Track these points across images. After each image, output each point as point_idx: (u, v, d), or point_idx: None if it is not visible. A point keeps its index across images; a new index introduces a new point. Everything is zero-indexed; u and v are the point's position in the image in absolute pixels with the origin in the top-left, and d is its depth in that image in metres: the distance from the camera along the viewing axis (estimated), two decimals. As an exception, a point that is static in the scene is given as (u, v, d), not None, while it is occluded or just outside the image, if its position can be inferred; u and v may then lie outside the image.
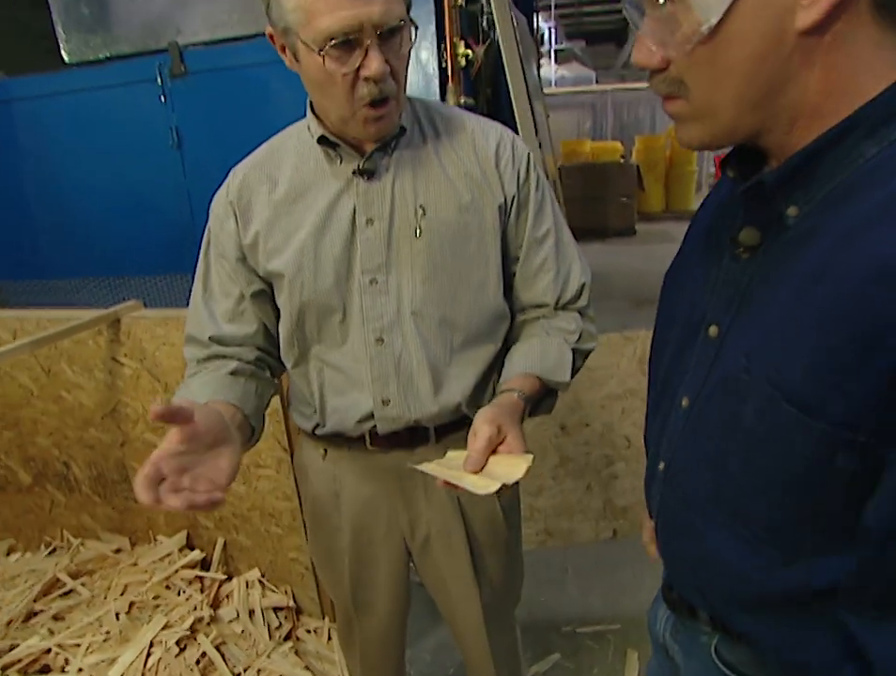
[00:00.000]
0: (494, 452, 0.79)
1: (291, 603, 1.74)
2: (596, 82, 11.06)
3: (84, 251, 2.97)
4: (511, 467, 0.75)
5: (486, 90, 2.68)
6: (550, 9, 9.67)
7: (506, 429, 0.80)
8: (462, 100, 1.94)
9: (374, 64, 0.78)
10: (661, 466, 0.68)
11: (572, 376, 0.99)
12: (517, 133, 1.99)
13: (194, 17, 2.77)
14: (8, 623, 1.61)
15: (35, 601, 1.70)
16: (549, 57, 10.93)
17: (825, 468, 0.48)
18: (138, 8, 2.83)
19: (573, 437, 2.15)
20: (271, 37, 0.85)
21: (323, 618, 1.75)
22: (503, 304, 1.00)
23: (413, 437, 1.00)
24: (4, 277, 3.16)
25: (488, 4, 2.15)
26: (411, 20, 0.82)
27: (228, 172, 0.99)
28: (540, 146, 2.84)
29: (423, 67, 1.97)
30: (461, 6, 2.00)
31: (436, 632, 1.83)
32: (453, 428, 1.01)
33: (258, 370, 1.02)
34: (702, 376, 0.60)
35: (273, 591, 1.76)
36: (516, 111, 1.97)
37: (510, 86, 1.96)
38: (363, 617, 1.17)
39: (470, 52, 1.91)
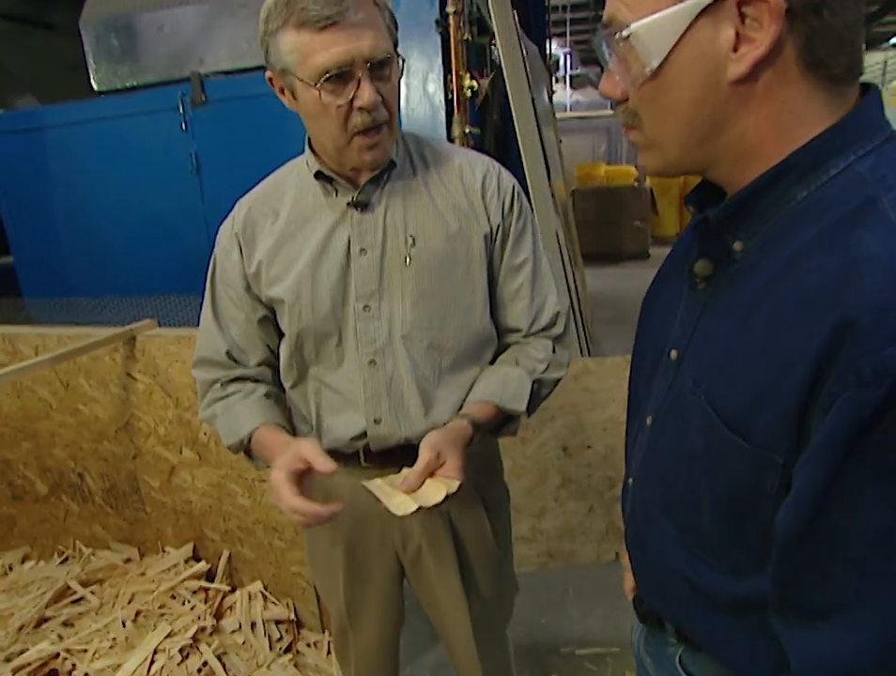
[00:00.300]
0: (433, 474, 0.87)
1: (292, 616, 1.77)
2: (611, 106, 11.17)
3: (106, 271, 3.09)
4: (435, 491, 0.83)
5: (493, 118, 2.76)
6: (565, 36, 9.83)
7: (446, 454, 0.88)
8: (467, 130, 2.02)
9: (366, 94, 0.85)
10: (630, 481, 0.72)
11: (540, 403, 1.05)
12: (523, 160, 2.07)
13: (217, 47, 2.90)
14: (20, 628, 1.67)
15: (46, 607, 1.75)
16: (564, 82, 11.08)
17: (752, 489, 0.52)
18: (164, 39, 2.97)
19: (575, 459, 2.16)
20: (271, 80, 0.92)
21: (323, 632, 1.78)
22: (490, 328, 1.05)
23: (405, 454, 1.04)
24: (30, 294, 3.28)
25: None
26: (398, 53, 0.89)
27: (234, 204, 1.06)
28: (548, 172, 2.91)
29: (430, 98, 2.05)
30: (468, 40, 2.09)
31: (435, 650, 1.84)
32: None
33: (279, 391, 1.09)
34: (662, 397, 0.65)
35: (275, 604, 1.80)
36: (519, 138, 2.04)
37: (514, 115, 2.03)
38: (358, 627, 1.20)
39: (475, 83, 1.99)
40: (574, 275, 2.85)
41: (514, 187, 1.04)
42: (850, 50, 0.50)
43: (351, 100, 0.85)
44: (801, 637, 0.51)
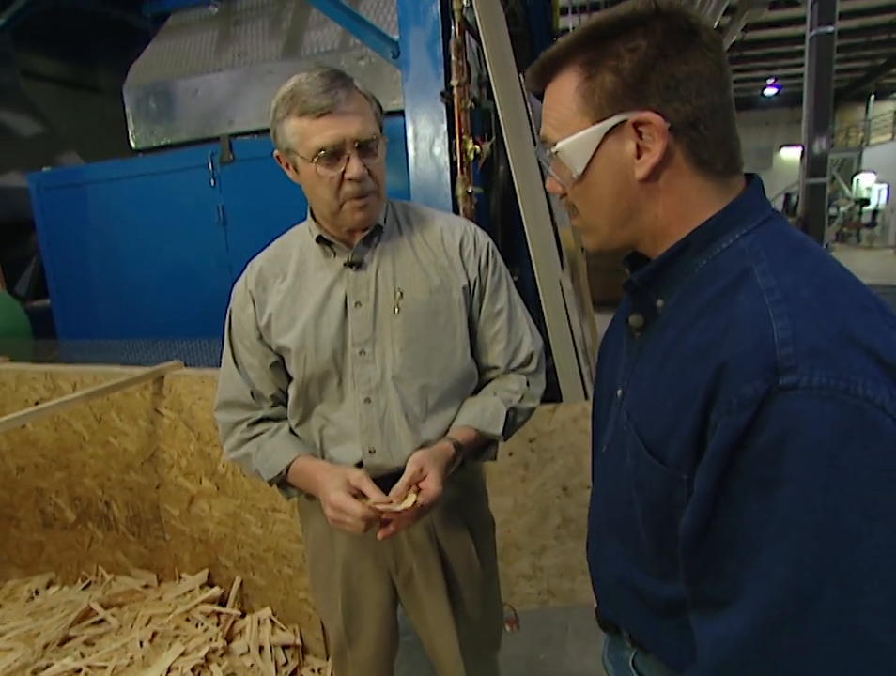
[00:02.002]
0: (418, 487, 1.02)
1: (298, 642, 1.86)
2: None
3: (137, 314, 3.29)
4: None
5: (499, 175, 2.95)
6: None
7: (427, 468, 1.03)
8: (470, 189, 2.20)
9: (354, 168, 1.01)
10: (591, 503, 0.84)
11: (515, 430, 1.18)
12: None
13: (245, 110, 3.16)
14: (45, 646, 1.79)
15: (70, 627, 1.87)
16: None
17: (668, 502, 0.64)
18: (197, 103, 3.25)
19: (575, 499, 2.21)
20: (278, 157, 1.09)
21: (327, 658, 1.86)
22: (471, 367, 1.18)
23: (398, 481, 1.17)
24: (65, 336, 3.49)
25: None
26: (382, 135, 1.06)
27: (246, 265, 1.20)
28: (554, 221, 3.06)
29: (435, 160, 2.24)
30: (472, 107, 2.29)
31: (434, 683, 1.91)
32: None
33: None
34: (612, 430, 0.77)
35: (282, 630, 1.89)
36: (518, 193, 2.20)
37: (514, 175, 2.20)
38: (355, 645, 1.29)
39: (477, 147, 2.18)
40: (580, 323, 2.94)
41: (488, 245, 1.19)
42: (726, 151, 0.65)
43: (342, 173, 1.02)
44: (705, 624, 0.61)
